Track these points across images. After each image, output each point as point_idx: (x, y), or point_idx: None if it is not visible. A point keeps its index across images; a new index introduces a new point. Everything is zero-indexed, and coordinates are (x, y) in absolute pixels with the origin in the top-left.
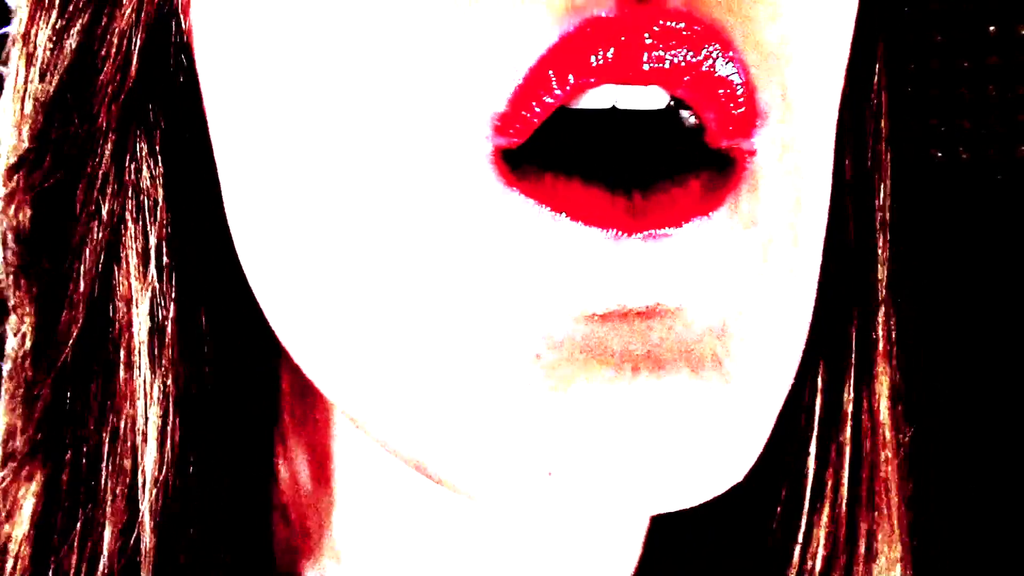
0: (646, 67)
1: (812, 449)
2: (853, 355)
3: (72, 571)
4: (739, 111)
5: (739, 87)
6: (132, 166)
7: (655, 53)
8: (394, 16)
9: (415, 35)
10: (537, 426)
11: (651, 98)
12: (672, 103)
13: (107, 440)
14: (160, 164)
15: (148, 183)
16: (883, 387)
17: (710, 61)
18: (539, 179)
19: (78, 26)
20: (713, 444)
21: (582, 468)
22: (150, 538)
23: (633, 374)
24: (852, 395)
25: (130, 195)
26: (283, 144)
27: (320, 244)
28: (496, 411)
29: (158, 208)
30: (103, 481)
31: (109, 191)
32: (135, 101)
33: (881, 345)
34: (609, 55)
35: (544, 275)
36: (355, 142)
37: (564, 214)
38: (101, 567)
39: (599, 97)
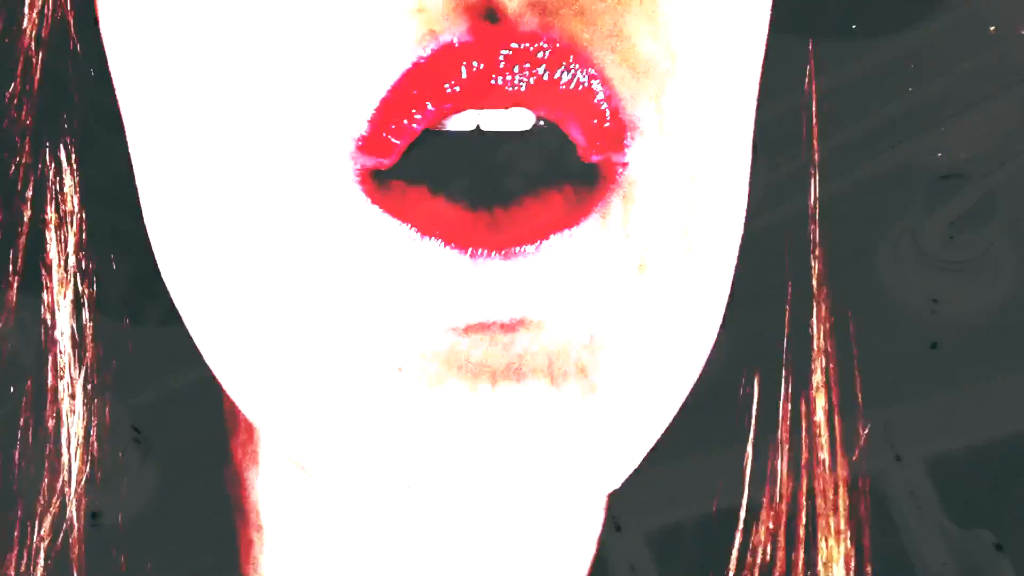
0: (507, 89)
1: (749, 449)
2: (786, 354)
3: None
4: (605, 125)
5: (601, 102)
6: (50, 173)
7: (509, 77)
8: (272, 42)
9: (290, 59)
10: (398, 439)
11: (517, 119)
12: (542, 123)
13: (31, 442)
14: (76, 172)
15: (68, 190)
16: (819, 384)
17: (567, 77)
18: (403, 196)
19: None
20: (573, 452)
21: (439, 479)
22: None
23: (492, 385)
24: (789, 394)
25: (48, 202)
26: (178, 158)
27: (211, 256)
28: (363, 423)
29: (75, 216)
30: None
31: (29, 198)
32: (46, 112)
33: (816, 343)
34: (462, 81)
35: (405, 292)
36: (240, 163)
37: (424, 233)
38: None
39: (464, 120)
